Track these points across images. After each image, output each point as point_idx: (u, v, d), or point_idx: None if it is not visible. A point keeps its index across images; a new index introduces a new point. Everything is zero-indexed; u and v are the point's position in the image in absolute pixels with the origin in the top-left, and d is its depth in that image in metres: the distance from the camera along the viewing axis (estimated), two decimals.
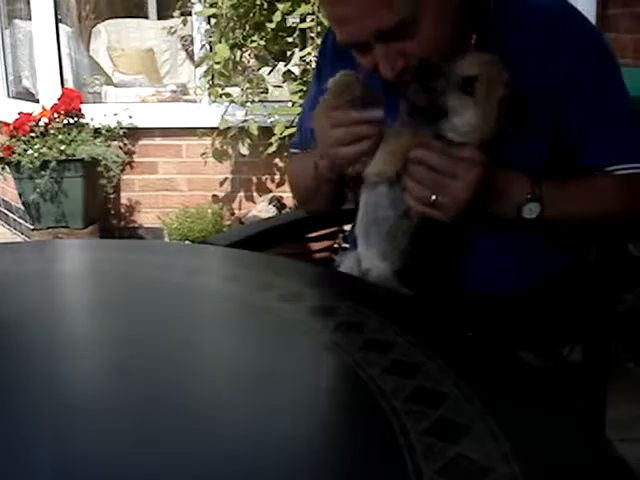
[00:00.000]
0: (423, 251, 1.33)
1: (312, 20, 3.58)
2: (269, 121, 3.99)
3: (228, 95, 4.05)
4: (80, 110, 4.37)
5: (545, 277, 1.43)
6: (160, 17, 7.06)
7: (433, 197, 1.23)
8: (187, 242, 4.15)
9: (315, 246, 3.48)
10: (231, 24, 3.81)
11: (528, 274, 1.43)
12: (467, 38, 1.36)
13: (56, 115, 4.30)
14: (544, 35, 1.33)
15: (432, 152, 1.24)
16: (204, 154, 4.25)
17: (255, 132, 4.00)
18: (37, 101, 4.66)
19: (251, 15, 3.68)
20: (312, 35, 3.60)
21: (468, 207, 1.24)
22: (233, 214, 4.51)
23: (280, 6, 3.62)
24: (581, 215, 1.35)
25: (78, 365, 0.99)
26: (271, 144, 3.93)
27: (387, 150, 1.25)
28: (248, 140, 4.10)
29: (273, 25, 3.66)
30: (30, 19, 4.65)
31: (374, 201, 1.34)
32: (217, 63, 3.88)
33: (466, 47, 1.35)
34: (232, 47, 3.83)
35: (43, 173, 4.15)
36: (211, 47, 4.08)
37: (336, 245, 3.72)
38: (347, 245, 1.46)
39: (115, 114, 4.39)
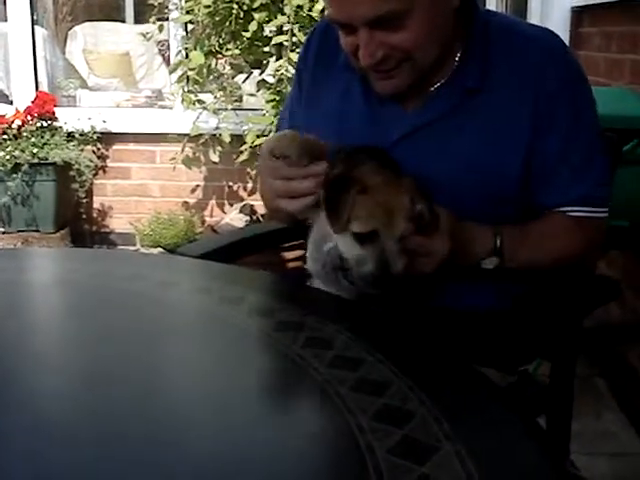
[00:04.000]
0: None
1: (287, 32, 3.59)
2: (242, 129, 3.99)
3: (201, 102, 4.05)
4: (54, 113, 4.34)
5: (512, 295, 1.45)
6: (137, 21, 7.04)
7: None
8: (159, 249, 4.13)
9: (288, 255, 3.47)
10: (207, 31, 3.81)
11: (495, 292, 1.46)
12: (452, 53, 1.38)
13: (29, 118, 4.27)
14: (529, 63, 1.36)
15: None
16: (173, 159, 4.23)
17: (227, 140, 4.00)
18: (11, 103, 4.62)
19: (227, 24, 3.68)
20: (287, 45, 3.62)
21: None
22: (204, 221, 4.50)
23: (256, 16, 3.63)
24: (540, 259, 1.39)
25: (45, 377, 0.99)
26: (242, 152, 3.93)
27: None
28: (219, 147, 4.10)
29: (249, 34, 3.66)
30: (6, 20, 4.62)
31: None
32: (191, 69, 3.88)
33: (451, 61, 1.38)
34: (207, 54, 3.83)
35: (15, 176, 4.12)
36: (187, 53, 4.08)
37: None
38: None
39: (89, 118, 4.36)
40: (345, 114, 1.46)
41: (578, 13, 3.82)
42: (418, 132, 1.40)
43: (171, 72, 4.14)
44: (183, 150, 4.21)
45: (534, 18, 3.65)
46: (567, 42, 3.57)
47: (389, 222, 1.19)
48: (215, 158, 4.16)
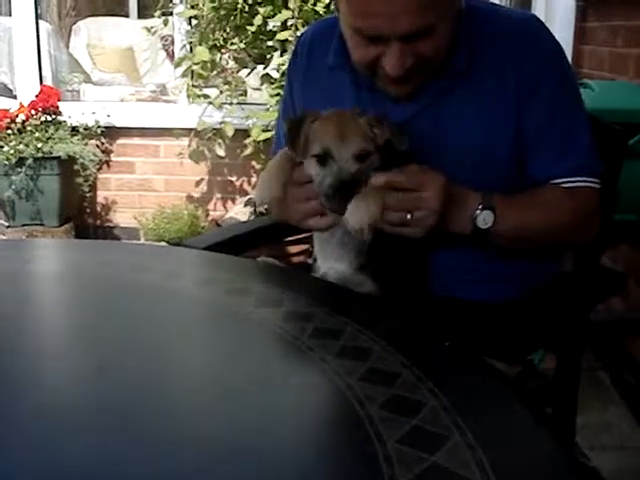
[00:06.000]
0: (379, 249, 1.35)
1: (291, 26, 3.59)
2: (247, 123, 3.99)
3: (206, 96, 4.05)
4: (58, 108, 4.34)
5: (520, 288, 1.45)
6: (141, 16, 7.03)
7: (409, 216, 1.27)
8: (163, 243, 4.13)
9: (292, 249, 3.48)
10: (212, 26, 3.81)
11: (502, 286, 1.46)
12: None
13: (34, 112, 4.26)
14: (511, 42, 1.39)
15: (394, 175, 1.27)
16: (180, 154, 4.23)
17: (230, 134, 4.00)
18: (15, 97, 4.62)
19: (232, 18, 3.67)
20: (291, 40, 3.61)
21: (440, 217, 1.27)
22: (209, 215, 4.50)
23: (261, 10, 3.63)
24: (531, 224, 1.39)
25: (53, 366, 0.99)
26: (247, 146, 3.92)
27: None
28: (220, 141, 4.09)
29: (253, 28, 3.66)
30: (10, 15, 4.61)
31: None
32: (196, 64, 3.88)
33: None
34: (212, 49, 3.82)
35: (19, 170, 4.12)
36: (191, 48, 4.07)
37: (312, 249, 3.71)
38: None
39: (93, 112, 4.36)
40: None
41: (583, 7, 3.81)
42: (411, 121, 1.41)
43: (176, 66, 4.13)
44: (190, 144, 4.21)
45: (539, 12, 3.64)
46: (572, 36, 3.57)
47: (342, 143, 1.28)
48: (221, 152, 4.15)
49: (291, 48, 3.57)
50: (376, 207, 1.25)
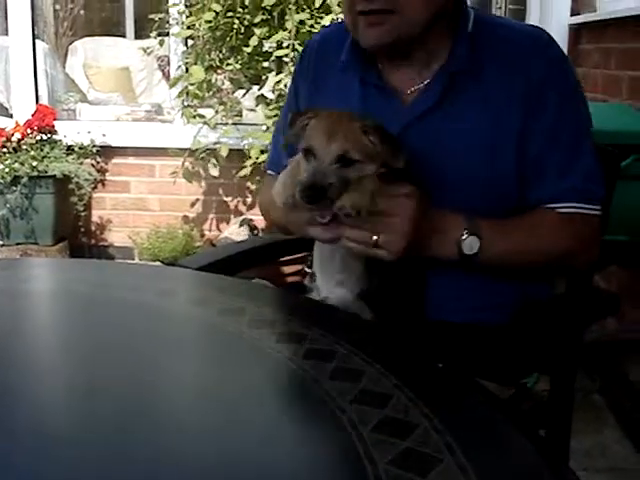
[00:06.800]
0: (379, 275, 1.34)
1: (288, 46, 3.61)
2: (242, 144, 4.00)
3: (202, 116, 4.06)
4: (53, 127, 4.36)
5: (511, 310, 1.45)
6: (137, 37, 7.07)
7: (374, 237, 1.25)
8: (157, 262, 4.13)
9: (286, 270, 3.47)
10: (207, 46, 3.83)
11: (493, 307, 1.45)
12: (446, 47, 1.41)
13: (29, 131, 4.28)
14: (515, 52, 1.38)
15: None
16: (174, 173, 4.23)
17: (224, 154, 4.01)
18: (11, 116, 4.64)
19: (228, 38, 3.69)
20: (287, 61, 3.63)
21: (410, 243, 1.26)
22: (204, 235, 4.50)
23: (257, 31, 3.65)
24: (519, 249, 1.37)
25: (43, 387, 0.99)
26: (244, 167, 3.93)
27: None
28: (214, 161, 4.10)
29: (249, 49, 3.68)
30: (7, 34, 4.64)
31: None
32: (192, 84, 3.89)
33: (444, 54, 1.41)
34: (207, 69, 3.84)
35: (14, 188, 4.13)
36: (187, 68, 4.09)
37: (307, 269, 3.71)
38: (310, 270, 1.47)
39: (89, 132, 4.37)
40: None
41: (576, 30, 3.84)
42: (416, 123, 1.41)
43: (171, 86, 4.15)
44: (184, 164, 4.22)
45: None
46: None
47: (327, 141, 1.23)
48: (215, 172, 4.16)
49: (288, 67, 3.59)
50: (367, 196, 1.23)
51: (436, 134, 1.40)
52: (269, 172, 1.68)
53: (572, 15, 3.95)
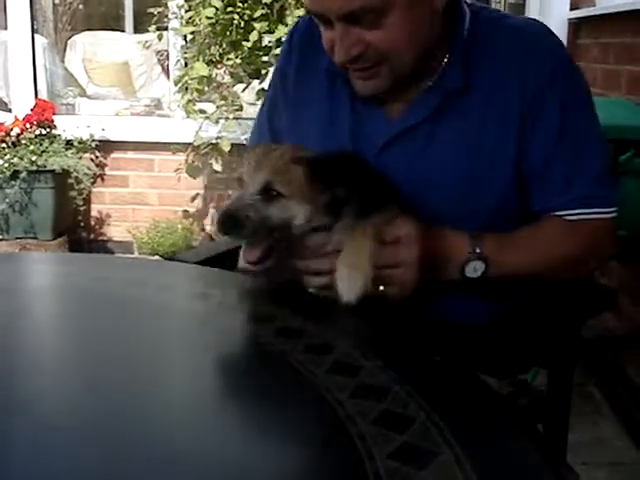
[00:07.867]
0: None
1: None
2: (243, 138, 3.99)
3: (202, 111, 4.06)
4: (53, 121, 4.35)
5: (506, 310, 1.44)
6: (137, 31, 7.06)
7: (381, 288, 1.23)
8: (157, 257, 4.13)
9: None
10: (207, 41, 3.82)
11: (486, 308, 1.43)
12: (437, 57, 1.36)
13: (28, 125, 4.27)
14: (515, 58, 1.33)
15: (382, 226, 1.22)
16: (178, 170, 4.24)
17: (226, 149, 4.01)
18: (10, 111, 4.63)
19: (228, 33, 3.69)
20: None
21: (417, 281, 1.24)
22: (203, 230, 4.50)
23: (257, 26, 3.64)
24: (527, 265, 1.34)
25: (43, 380, 0.99)
26: None
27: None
28: (220, 157, 4.10)
29: (249, 44, 3.68)
30: (6, 29, 4.63)
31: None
32: (192, 79, 3.89)
33: (437, 66, 1.36)
34: (208, 64, 3.84)
35: (13, 183, 4.13)
36: (186, 62, 4.09)
37: None
38: None
39: (88, 126, 4.37)
40: (335, 117, 1.44)
41: (575, 25, 3.84)
42: (402, 137, 1.38)
43: (176, 84, 4.14)
44: (187, 159, 4.22)
45: None
46: None
47: (254, 172, 1.21)
48: (218, 167, 4.16)
49: None
50: (366, 275, 1.19)
51: (419, 152, 1.36)
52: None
53: (571, 9, 3.94)
